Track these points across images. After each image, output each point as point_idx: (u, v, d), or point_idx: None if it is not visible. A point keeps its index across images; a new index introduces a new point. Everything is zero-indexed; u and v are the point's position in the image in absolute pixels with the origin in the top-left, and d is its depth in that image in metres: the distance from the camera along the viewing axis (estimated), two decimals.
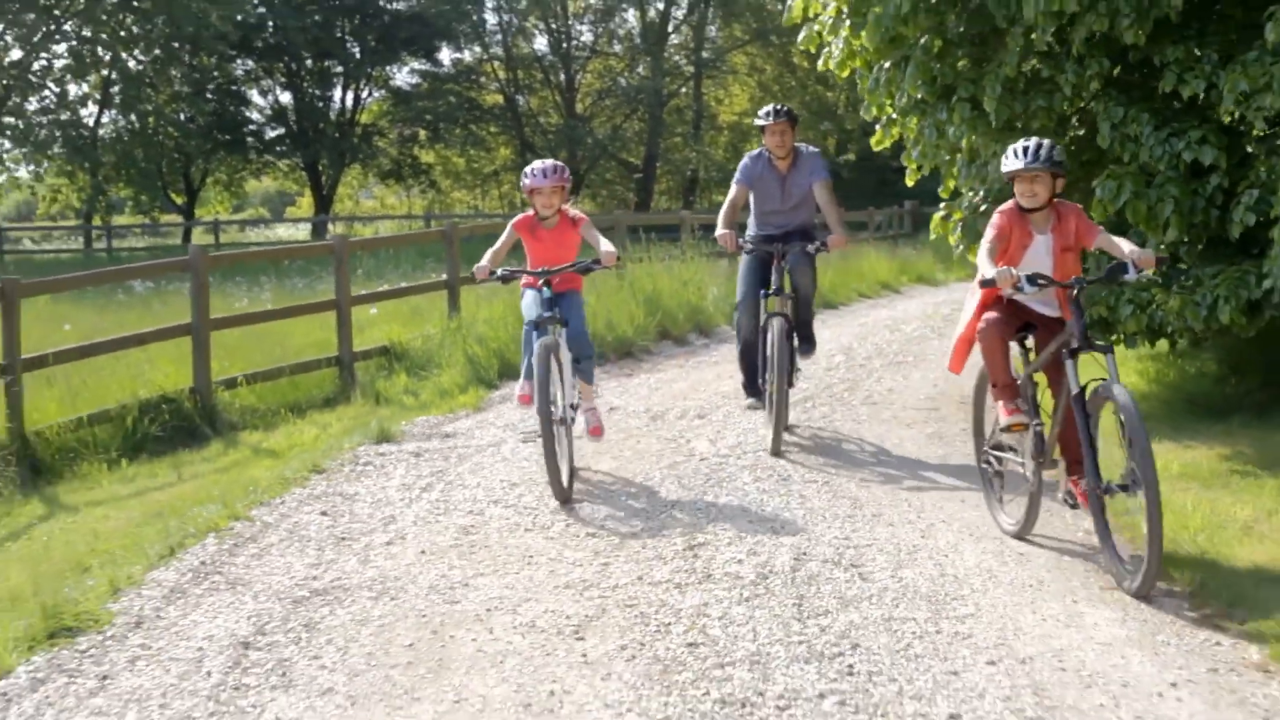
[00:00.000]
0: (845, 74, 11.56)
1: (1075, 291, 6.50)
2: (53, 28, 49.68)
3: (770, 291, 9.71)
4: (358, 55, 54.25)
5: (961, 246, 11.26)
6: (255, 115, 57.05)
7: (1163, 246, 9.50)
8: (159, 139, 50.61)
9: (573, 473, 8.39)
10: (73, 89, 52.99)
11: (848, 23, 10.83)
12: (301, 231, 58.14)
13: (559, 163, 9.00)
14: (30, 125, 51.22)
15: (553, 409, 8.00)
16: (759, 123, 10.04)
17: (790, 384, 9.62)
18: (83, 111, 52.75)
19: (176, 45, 49.97)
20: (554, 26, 55.77)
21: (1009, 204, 6.89)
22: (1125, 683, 4.94)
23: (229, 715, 4.78)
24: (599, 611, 5.83)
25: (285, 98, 56.34)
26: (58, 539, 7.90)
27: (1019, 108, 10.19)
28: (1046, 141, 6.76)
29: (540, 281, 8.61)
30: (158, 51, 50.52)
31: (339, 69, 54.80)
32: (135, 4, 47.82)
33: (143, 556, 6.85)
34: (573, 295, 8.94)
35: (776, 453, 9.17)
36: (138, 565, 6.70)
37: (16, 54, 50.53)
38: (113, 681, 5.15)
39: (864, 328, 17.63)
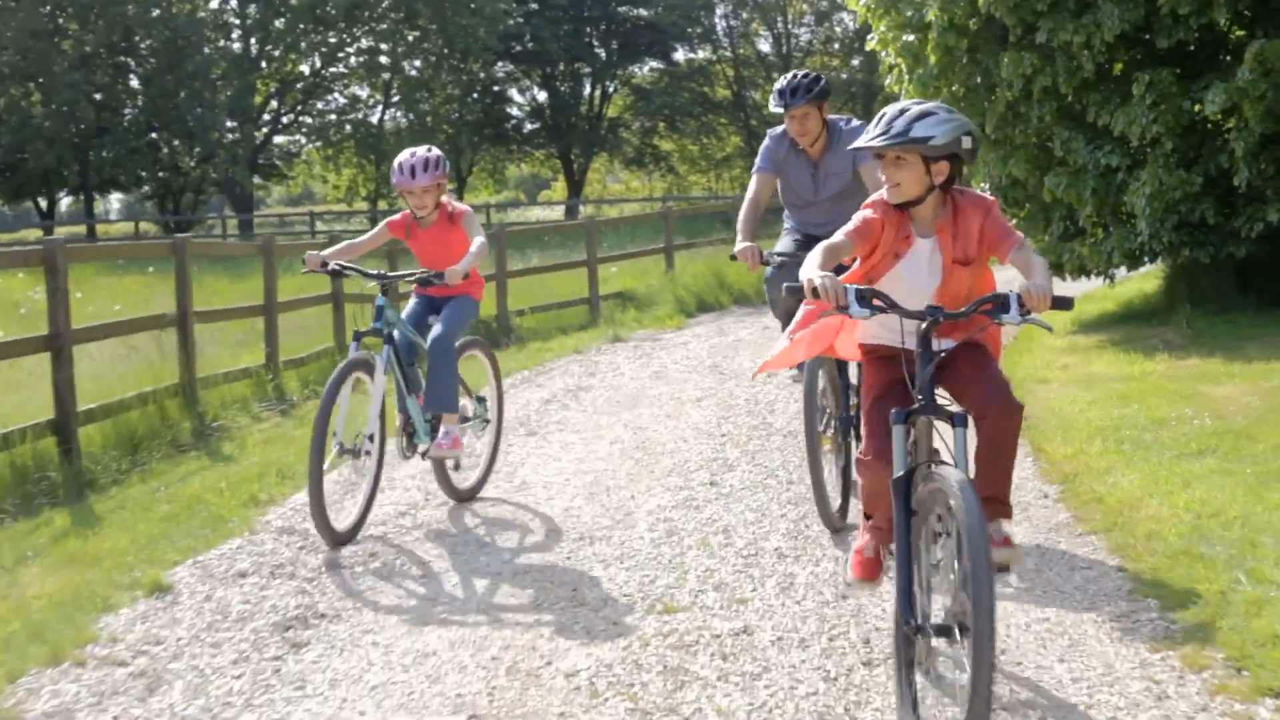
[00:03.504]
0: None
1: (924, 325, 4.60)
2: (346, 39, 58.19)
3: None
4: (604, 58, 61.81)
5: None
6: (515, 111, 65.24)
7: (1088, 214, 15.50)
8: (435, 134, 58.64)
9: (367, 510, 7.42)
10: (357, 92, 61.75)
11: (905, 79, 17.02)
12: (553, 213, 65.89)
13: (434, 154, 7.68)
14: (325, 124, 59.90)
15: (341, 440, 7.20)
16: (774, 108, 7.77)
17: (845, 433, 7.27)
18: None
19: (447, 52, 57.87)
20: (776, 30, 62.42)
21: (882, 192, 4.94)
22: None
23: (543, 416, 11.42)
24: (701, 394, 12.35)
25: (541, 96, 64.34)
26: None
27: (1007, 130, 16.29)
28: (911, 106, 4.80)
29: (382, 287, 7.62)
30: (433, 59, 58.63)
31: (588, 70, 62.51)
32: (417, 22, 55.79)
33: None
34: (460, 301, 7.90)
35: (832, 529, 7.14)
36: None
37: (315, 63, 59.26)
38: (505, 399, 11.91)
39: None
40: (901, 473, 4.53)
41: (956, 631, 4.24)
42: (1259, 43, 13.39)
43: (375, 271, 7.69)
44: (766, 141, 8.06)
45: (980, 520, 4.13)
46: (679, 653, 5.41)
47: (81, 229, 59.98)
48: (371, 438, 7.41)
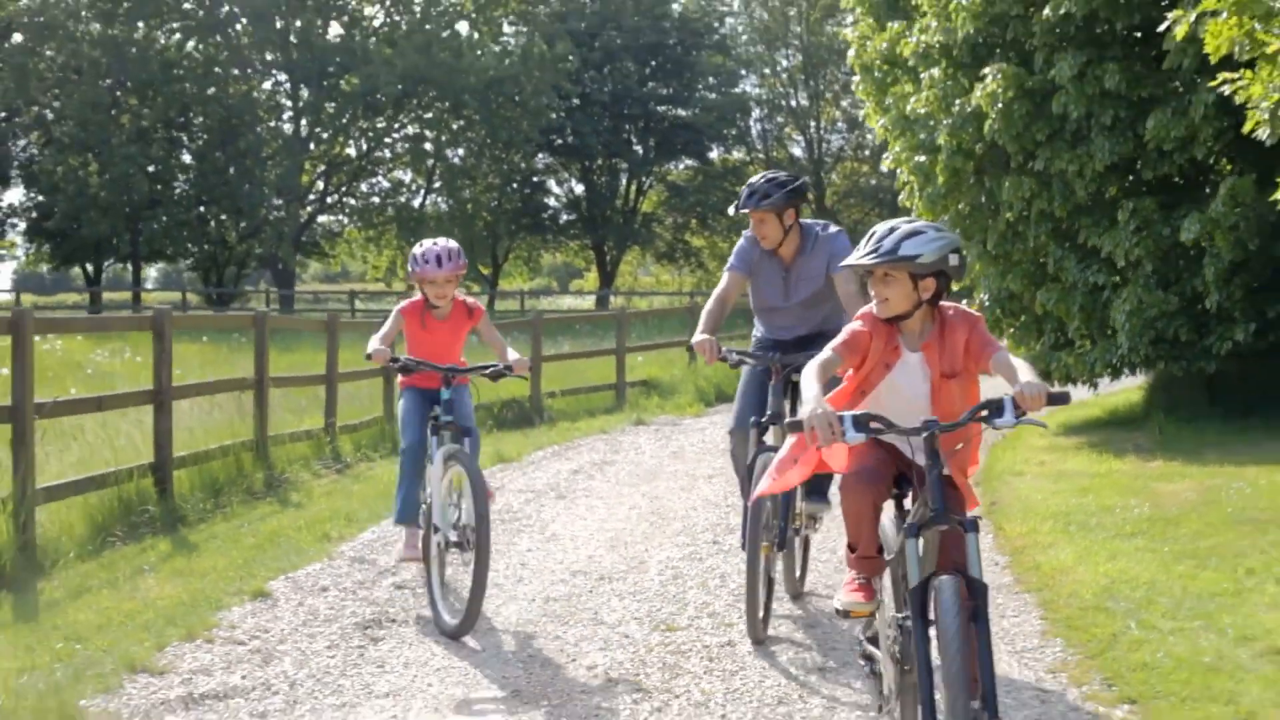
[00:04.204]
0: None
1: (925, 437, 4.71)
2: (395, 126, 60.45)
3: (764, 419, 7.36)
4: (641, 155, 63.99)
5: None
6: (553, 202, 67.52)
7: (1075, 327, 16.99)
8: (475, 221, 60.69)
9: (476, 603, 7.10)
10: (400, 176, 63.98)
11: (916, 195, 18.60)
12: (584, 301, 67.98)
13: (454, 245, 7.81)
14: (369, 206, 62.03)
15: (445, 533, 7.42)
16: (730, 209, 7.95)
17: (780, 544, 7.31)
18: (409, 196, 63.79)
19: (490, 142, 59.96)
20: (808, 135, 64.52)
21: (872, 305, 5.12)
22: None
23: (571, 484, 12.89)
24: (713, 472, 13.83)
25: (579, 188, 66.54)
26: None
27: (1006, 247, 17.83)
28: (901, 225, 4.99)
29: (441, 380, 7.65)
30: (475, 148, 60.80)
31: (624, 166, 64.74)
32: (462, 112, 57.96)
33: (524, 450, 15.12)
34: (461, 391, 7.95)
35: (757, 640, 7.08)
36: (523, 452, 14.98)
37: (362, 146, 61.47)
38: (535, 467, 13.41)
39: None
40: (916, 583, 4.64)
41: None
42: (1231, 179, 14.93)
43: (446, 365, 7.70)
44: (741, 241, 7.90)
45: (957, 623, 4.42)
46: (676, 656, 6.88)
47: (125, 295, 62.06)
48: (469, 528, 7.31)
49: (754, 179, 7.71)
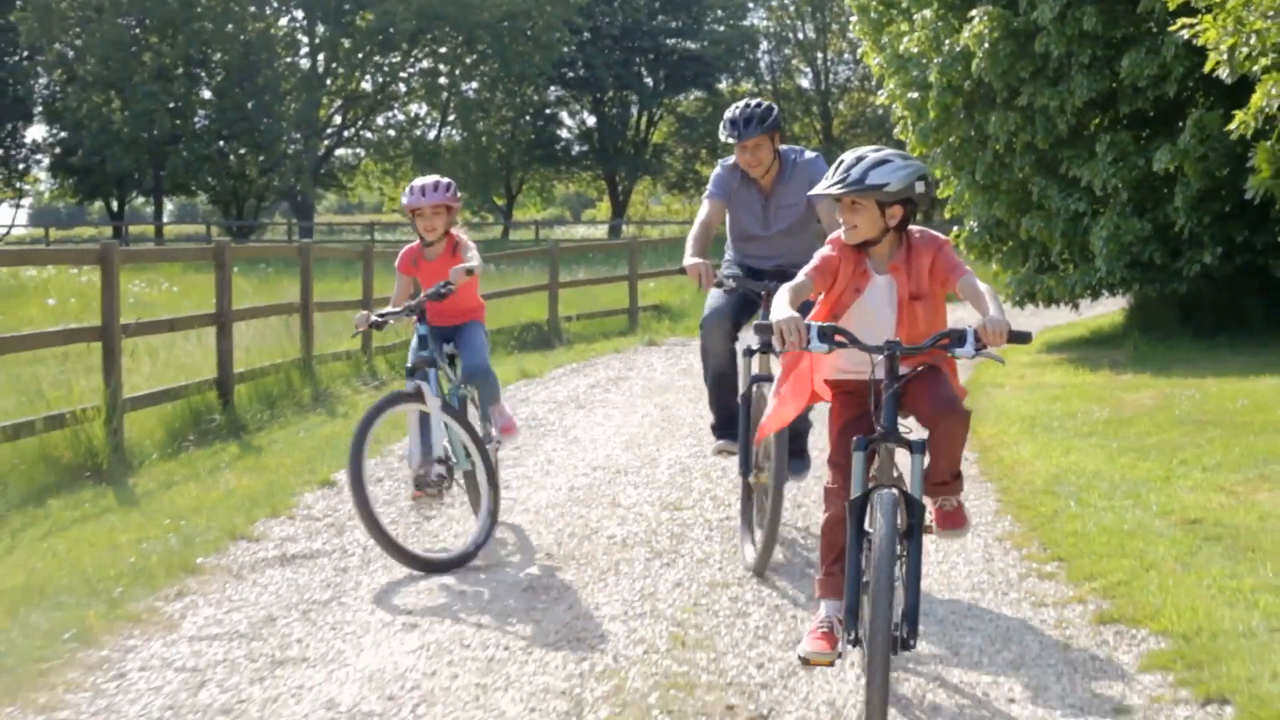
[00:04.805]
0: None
1: (884, 357, 4.84)
2: (410, 61, 61.48)
3: (757, 348, 7.22)
4: (651, 87, 65.01)
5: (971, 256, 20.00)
6: (565, 134, 68.67)
7: (1058, 251, 18.22)
8: (489, 153, 61.85)
9: (493, 516, 7.50)
10: (415, 109, 65.07)
11: (910, 129, 19.77)
12: (597, 230, 69.12)
13: (444, 179, 7.74)
14: (385, 139, 63.18)
15: (425, 469, 7.45)
16: (725, 138, 7.53)
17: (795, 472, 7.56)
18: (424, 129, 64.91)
19: (504, 75, 61.03)
20: (816, 66, 65.46)
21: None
22: None
23: (589, 396, 14.18)
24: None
25: (591, 120, 67.66)
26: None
27: (994, 178, 19.02)
28: (868, 154, 5.03)
29: (415, 318, 7.51)
30: (489, 81, 61.90)
31: (635, 98, 65.81)
32: (476, 47, 59.00)
33: (545, 368, 16.42)
34: (470, 327, 7.94)
35: (760, 572, 7.06)
36: (544, 369, 16.28)
37: (378, 81, 62.51)
38: (556, 383, 14.71)
39: None
40: (858, 495, 4.78)
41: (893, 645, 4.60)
42: (1198, 112, 16.10)
43: (403, 307, 7.62)
44: (718, 170, 7.80)
45: (891, 543, 4.60)
46: (682, 528, 8.19)
47: (144, 229, 63.36)
48: (444, 460, 7.49)
49: (734, 110, 7.55)
